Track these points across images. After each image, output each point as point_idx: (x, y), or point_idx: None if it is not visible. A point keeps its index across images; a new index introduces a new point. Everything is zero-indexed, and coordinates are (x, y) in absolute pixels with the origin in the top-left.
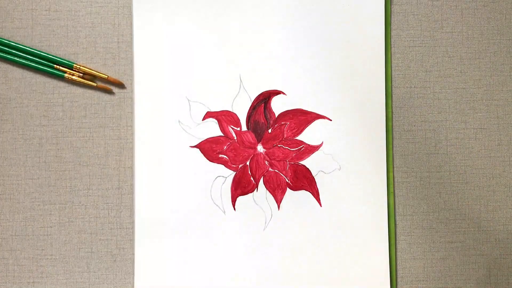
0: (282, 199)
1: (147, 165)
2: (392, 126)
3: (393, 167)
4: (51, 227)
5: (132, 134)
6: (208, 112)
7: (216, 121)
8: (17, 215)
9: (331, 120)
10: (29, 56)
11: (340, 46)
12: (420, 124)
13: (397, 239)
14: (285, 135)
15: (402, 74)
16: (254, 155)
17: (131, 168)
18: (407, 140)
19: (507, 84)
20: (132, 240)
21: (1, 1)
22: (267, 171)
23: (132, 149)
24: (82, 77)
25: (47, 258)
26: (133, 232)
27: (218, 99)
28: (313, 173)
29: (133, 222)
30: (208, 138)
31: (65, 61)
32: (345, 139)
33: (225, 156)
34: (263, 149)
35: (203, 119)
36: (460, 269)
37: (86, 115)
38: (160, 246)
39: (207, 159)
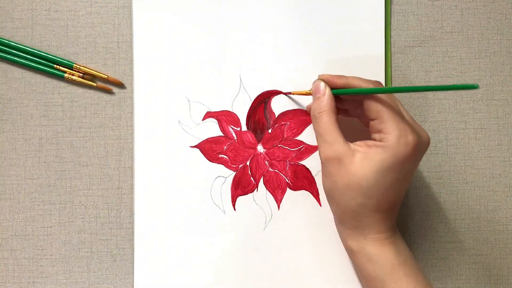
0: (282, 199)
1: (147, 165)
2: None
3: None
4: (51, 227)
5: (132, 134)
6: (208, 112)
7: (216, 121)
8: (17, 215)
9: None
10: (29, 56)
11: (340, 46)
12: (420, 124)
13: None
14: (285, 135)
15: (402, 74)
16: (254, 155)
17: (131, 168)
18: None
19: (507, 84)
20: (132, 240)
21: (1, 1)
22: (267, 171)
23: (132, 149)
24: (82, 77)
25: (47, 258)
26: (133, 232)
27: (218, 99)
28: (313, 173)
29: (133, 222)
30: (208, 138)
31: (65, 61)
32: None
33: (225, 156)
34: (263, 149)
35: (203, 119)
36: (460, 269)
37: (86, 115)
38: (160, 246)
39: (207, 159)
